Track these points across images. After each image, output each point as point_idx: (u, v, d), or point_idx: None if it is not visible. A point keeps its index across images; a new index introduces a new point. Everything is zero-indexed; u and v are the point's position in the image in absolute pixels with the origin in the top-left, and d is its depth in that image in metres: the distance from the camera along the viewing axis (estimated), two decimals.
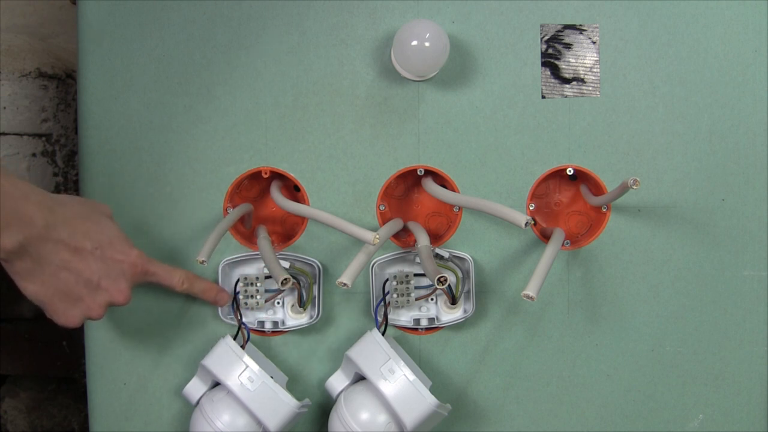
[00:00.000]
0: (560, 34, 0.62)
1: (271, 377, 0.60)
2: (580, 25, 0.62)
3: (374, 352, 0.59)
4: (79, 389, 1.05)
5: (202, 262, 0.56)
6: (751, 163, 0.62)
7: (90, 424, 0.66)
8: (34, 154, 1.02)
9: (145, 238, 0.64)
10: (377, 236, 0.54)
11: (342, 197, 0.63)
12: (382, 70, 0.62)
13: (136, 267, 0.57)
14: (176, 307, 0.64)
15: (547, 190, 0.65)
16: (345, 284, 0.53)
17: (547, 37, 0.62)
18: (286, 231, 0.66)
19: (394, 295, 0.62)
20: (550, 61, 0.62)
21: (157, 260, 0.59)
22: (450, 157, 0.63)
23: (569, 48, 0.62)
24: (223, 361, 0.59)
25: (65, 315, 0.55)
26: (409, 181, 0.65)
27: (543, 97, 0.62)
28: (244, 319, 0.62)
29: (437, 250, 0.62)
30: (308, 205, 0.63)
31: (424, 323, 0.64)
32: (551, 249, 0.57)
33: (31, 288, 0.54)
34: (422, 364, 0.64)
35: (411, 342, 0.64)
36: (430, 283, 0.61)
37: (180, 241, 0.64)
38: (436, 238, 0.64)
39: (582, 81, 0.62)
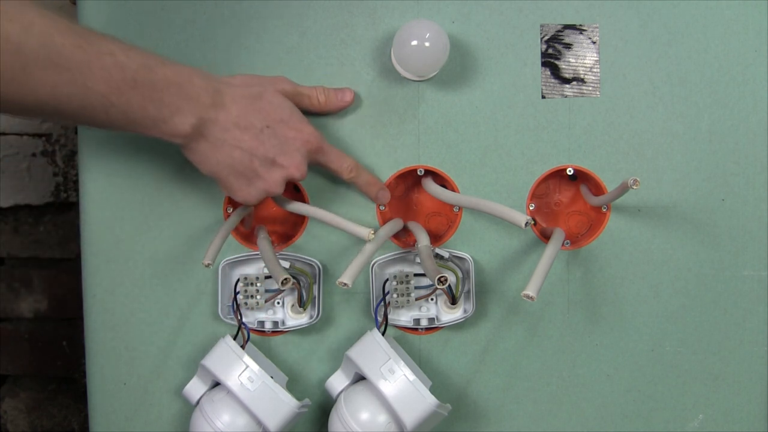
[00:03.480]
0: (560, 34, 0.62)
1: (271, 377, 0.60)
2: (580, 25, 0.62)
3: (374, 352, 0.59)
4: (79, 389, 1.05)
5: (208, 265, 0.56)
6: (751, 163, 0.62)
7: (90, 424, 0.66)
8: (34, 154, 1.02)
9: (146, 238, 0.64)
10: (372, 232, 0.56)
11: (342, 197, 0.63)
12: (382, 70, 0.62)
13: (310, 143, 0.57)
14: (176, 307, 0.64)
15: (547, 190, 0.65)
16: (345, 284, 0.53)
17: (547, 37, 0.62)
18: (286, 231, 0.66)
19: (394, 295, 0.62)
20: (550, 61, 0.62)
21: (327, 142, 0.59)
22: (450, 157, 0.63)
23: (569, 48, 0.62)
24: (223, 361, 0.59)
25: (243, 192, 0.56)
26: (409, 181, 0.66)
27: (543, 97, 0.62)
28: (244, 319, 0.62)
29: (437, 250, 0.62)
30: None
31: (424, 323, 0.64)
32: (551, 249, 0.57)
33: (208, 168, 0.55)
34: (422, 364, 0.64)
35: (411, 342, 0.64)
36: (430, 283, 0.61)
37: (180, 241, 0.64)
38: (436, 238, 0.64)
39: (582, 81, 0.62)
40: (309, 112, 0.60)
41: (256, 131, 0.55)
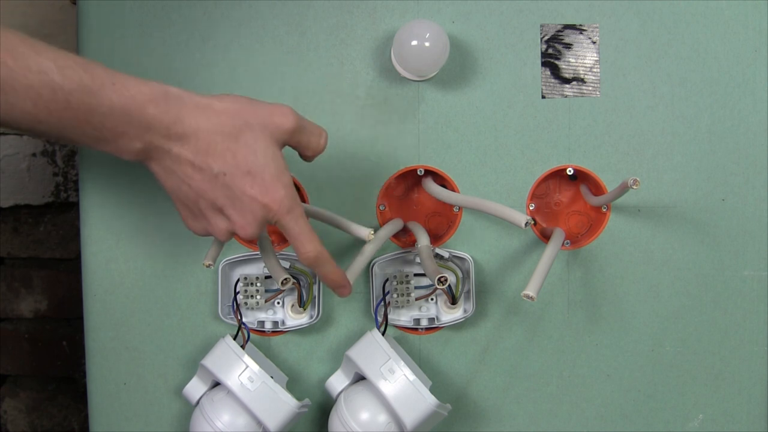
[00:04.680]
0: (560, 34, 0.62)
1: (271, 377, 0.60)
2: (580, 25, 0.62)
3: (374, 352, 0.59)
4: (79, 389, 1.05)
5: (209, 266, 0.56)
6: (751, 163, 0.62)
7: (90, 424, 0.66)
8: (34, 154, 1.02)
9: (146, 238, 0.64)
10: (372, 232, 0.55)
11: (342, 197, 0.63)
12: (382, 70, 0.62)
13: (269, 210, 0.48)
14: (176, 307, 0.64)
15: (547, 190, 0.65)
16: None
17: (547, 37, 0.62)
18: None
19: (394, 295, 0.62)
20: (550, 61, 0.62)
21: (302, 212, 0.50)
22: (450, 157, 0.63)
23: (569, 48, 0.62)
24: (223, 361, 0.59)
25: (189, 223, 0.52)
26: (409, 181, 0.65)
27: (543, 97, 0.62)
28: (244, 319, 0.62)
29: (437, 250, 0.62)
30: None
31: (424, 323, 0.64)
32: (551, 249, 0.57)
33: (162, 186, 0.50)
34: (422, 364, 0.64)
35: (411, 342, 0.64)
36: (430, 283, 0.61)
37: (180, 241, 0.64)
38: (436, 238, 0.64)
39: (582, 81, 0.62)
40: (305, 155, 0.53)
41: (210, 175, 0.48)
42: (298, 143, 0.51)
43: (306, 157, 0.53)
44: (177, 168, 0.48)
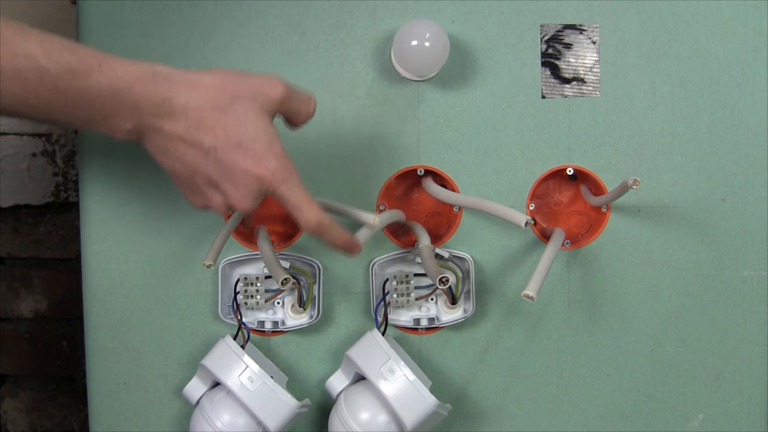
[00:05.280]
0: (560, 34, 0.62)
1: (271, 377, 0.60)
2: (580, 25, 0.62)
3: (374, 352, 0.59)
4: (79, 389, 1.05)
5: (209, 266, 0.56)
6: (751, 163, 0.62)
7: (90, 424, 0.66)
8: (34, 154, 1.02)
9: (146, 238, 0.64)
10: (377, 218, 0.55)
11: (342, 197, 0.63)
12: (382, 70, 0.62)
13: (263, 181, 0.48)
14: (176, 307, 0.64)
15: (547, 190, 0.65)
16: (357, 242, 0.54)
17: (547, 37, 0.62)
18: (286, 231, 0.66)
19: (394, 295, 0.62)
20: (550, 61, 0.62)
21: (298, 181, 0.49)
22: (450, 157, 0.63)
23: (569, 48, 0.62)
24: (223, 361, 0.59)
25: (189, 198, 0.52)
26: (409, 181, 0.65)
27: (543, 97, 0.62)
28: (244, 319, 0.62)
29: (437, 250, 0.62)
30: None
31: (424, 323, 0.64)
32: (551, 249, 0.56)
33: (160, 165, 0.50)
34: (422, 364, 0.64)
35: (411, 342, 0.64)
36: (430, 283, 0.61)
37: (180, 241, 0.64)
38: (436, 238, 0.64)
39: (582, 81, 0.62)
40: (296, 122, 0.52)
41: (202, 151, 0.47)
42: (288, 111, 0.51)
43: (296, 124, 0.53)
44: (169, 146, 0.48)
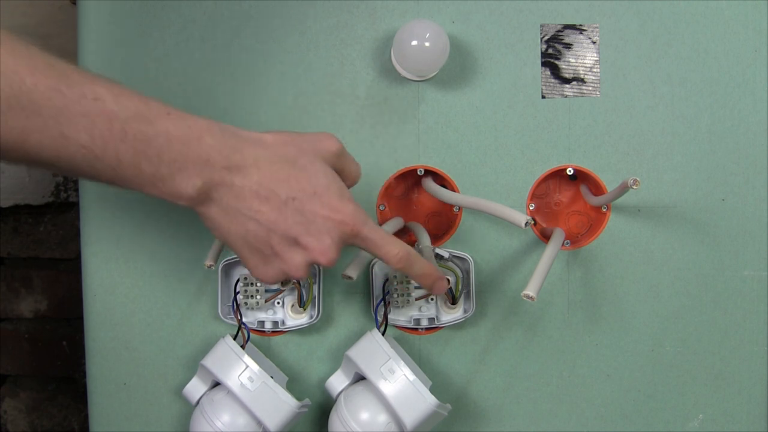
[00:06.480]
0: (560, 34, 0.62)
1: (271, 377, 0.60)
2: (580, 25, 0.62)
3: (374, 352, 0.59)
4: (79, 389, 1.05)
5: (210, 266, 0.56)
6: (751, 163, 0.62)
7: (90, 424, 0.66)
8: None
9: (146, 238, 0.64)
10: None
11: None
12: (382, 70, 0.62)
13: (345, 226, 0.47)
14: (176, 307, 0.64)
15: (547, 190, 0.65)
16: (350, 277, 0.53)
17: (547, 37, 0.62)
18: None
19: (394, 295, 0.62)
20: (550, 61, 0.62)
21: (373, 222, 0.49)
22: (450, 157, 0.63)
23: (569, 48, 0.62)
24: (223, 361, 0.59)
25: (259, 270, 0.49)
26: (409, 181, 0.66)
27: (543, 97, 0.62)
28: (244, 319, 0.62)
29: (437, 250, 0.62)
30: None
31: (424, 323, 0.64)
32: (551, 249, 0.56)
33: (220, 235, 0.48)
34: (422, 364, 0.64)
35: (411, 342, 0.64)
36: None
37: (180, 241, 0.64)
38: (436, 238, 0.64)
39: (582, 81, 0.62)
40: (344, 182, 0.51)
41: (279, 203, 0.46)
42: (342, 169, 0.50)
43: (352, 179, 0.53)
44: (241, 204, 0.46)
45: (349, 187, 0.52)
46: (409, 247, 0.50)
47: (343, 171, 0.51)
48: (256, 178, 0.46)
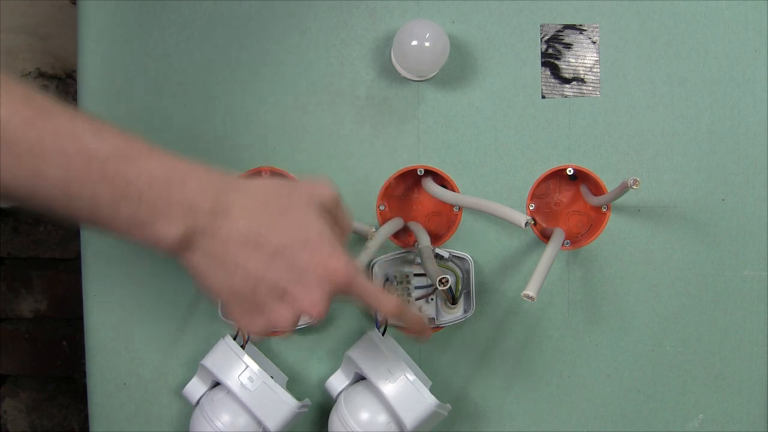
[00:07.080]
0: (560, 34, 0.62)
1: (271, 377, 0.60)
2: (580, 25, 0.62)
3: (374, 352, 0.59)
4: (79, 389, 1.05)
5: None
6: (751, 163, 0.62)
7: (90, 424, 0.66)
8: None
9: None
10: (373, 230, 0.56)
11: (342, 197, 0.63)
12: (382, 70, 0.62)
13: (337, 277, 0.44)
14: (176, 307, 0.64)
15: (547, 190, 0.65)
16: None
17: (547, 37, 0.62)
18: None
19: (394, 296, 0.62)
20: (550, 61, 0.62)
21: (363, 275, 0.46)
22: (450, 157, 0.63)
23: (569, 48, 0.62)
24: (223, 361, 0.59)
25: (244, 322, 0.45)
26: (409, 181, 0.65)
27: (543, 97, 0.62)
28: None
29: (437, 250, 0.62)
30: None
31: None
32: (551, 249, 0.56)
33: (204, 284, 0.44)
34: (422, 364, 0.64)
35: (411, 342, 0.64)
36: (430, 283, 0.61)
37: None
38: (436, 238, 0.64)
39: (582, 81, 0.62)
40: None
41: (269, 251, 0.43)
42: (335, 218, 0.47)
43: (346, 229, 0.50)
44: (227, 253, 0.42)
45: (342, 237, 0.49)
46: (399, 300, 0.49)
47: (336, 220, 0.47)
48: (244, 225, 0.42)
